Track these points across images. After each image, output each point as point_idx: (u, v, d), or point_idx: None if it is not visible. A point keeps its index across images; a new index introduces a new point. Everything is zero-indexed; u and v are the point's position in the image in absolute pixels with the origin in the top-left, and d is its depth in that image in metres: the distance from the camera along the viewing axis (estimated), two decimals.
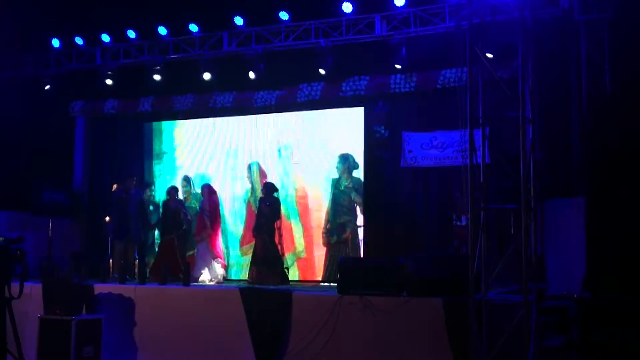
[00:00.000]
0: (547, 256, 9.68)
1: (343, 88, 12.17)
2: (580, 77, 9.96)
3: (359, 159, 12.19)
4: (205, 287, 9.76)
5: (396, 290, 8.24)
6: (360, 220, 12.03)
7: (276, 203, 11.75)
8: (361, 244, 12.03)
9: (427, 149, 11.46)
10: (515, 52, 7.39)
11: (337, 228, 12.06)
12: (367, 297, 8.14)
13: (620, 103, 8.78)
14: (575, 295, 7.39)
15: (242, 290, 9.05)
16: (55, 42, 13.53)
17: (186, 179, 12.94)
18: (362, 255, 11.88)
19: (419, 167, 11.61)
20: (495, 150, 8.72)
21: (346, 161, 12.13)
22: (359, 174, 12.17)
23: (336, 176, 12.19)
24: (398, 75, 11.78)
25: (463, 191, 7.72)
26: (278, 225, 11.72)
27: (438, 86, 11.48)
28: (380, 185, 12.09)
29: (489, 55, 7.88)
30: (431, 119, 11.58)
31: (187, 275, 10.23)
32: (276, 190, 11.85)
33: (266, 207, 11.58)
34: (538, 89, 9.75)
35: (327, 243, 12.14)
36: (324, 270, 12.12)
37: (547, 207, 10.04)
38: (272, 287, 9.87)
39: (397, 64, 11.43)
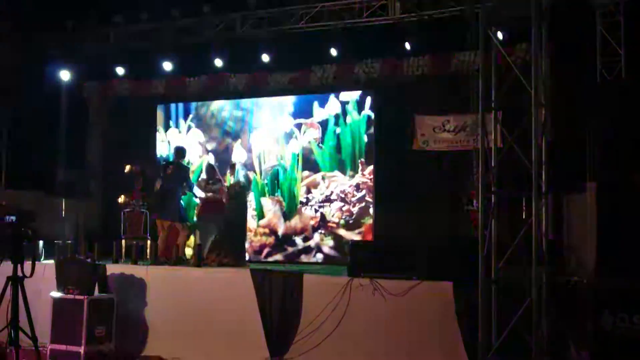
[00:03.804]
0: (561, 241, 9.63)
1: (355, 71, 12.14)
2: (595, 61, 9.87)
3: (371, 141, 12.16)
4: (216, 269, 9.79)
5: (406, 273, 8.24)
6: None
7: None
8: None
9: (440, 132, 11.40)
10: (529, 36, 7.31)
11: None
12: (378, 280, 8.15)
13: (635, 87, 8.72)
14: (585, 281, 7.38)
15: (252, 272, 9.08)
16: (69, 23, 13.53)
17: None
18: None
19: (431, 150, 11.57)
20: (512, 135, 8.68)
21: None
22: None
23: None
24: (411, 58, 11.73)
25: (475, 175, 7.70)
26: None
27: (451, 69, 11.43)
28: (391, 169, 12.07)
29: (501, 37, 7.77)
30: (444, 103, 11.53)
31: (198, 256, 10.24)
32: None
33: None
34: (552, 73, 9.69)
35: None
36: None
37: (562, 192, 9.98)
38: (282, 269, 9.89)
39: (409, 45, 11.37)
